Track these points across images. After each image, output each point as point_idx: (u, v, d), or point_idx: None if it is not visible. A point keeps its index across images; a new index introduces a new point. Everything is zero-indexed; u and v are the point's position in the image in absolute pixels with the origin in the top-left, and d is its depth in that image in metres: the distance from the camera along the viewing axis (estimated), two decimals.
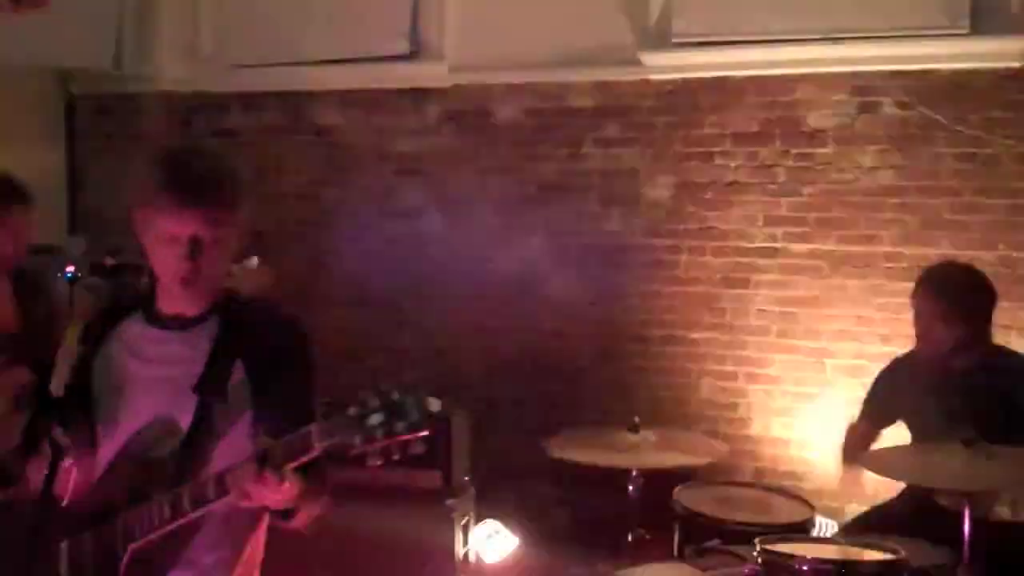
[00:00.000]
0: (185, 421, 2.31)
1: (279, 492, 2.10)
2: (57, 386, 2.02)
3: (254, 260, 4.10)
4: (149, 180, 2.30)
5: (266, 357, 2.37)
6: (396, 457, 1.99)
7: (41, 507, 2.06)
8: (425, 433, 1.99)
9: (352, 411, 1.97)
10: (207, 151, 2.46)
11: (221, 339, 2.38)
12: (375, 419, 1.95)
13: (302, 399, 2.39)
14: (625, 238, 5.55)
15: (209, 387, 2.33)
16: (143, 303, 2.46)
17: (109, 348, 2.44)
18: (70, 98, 6.47)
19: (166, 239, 2.30)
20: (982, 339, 3.84)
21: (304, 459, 2.06)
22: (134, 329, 2.44)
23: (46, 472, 2.07)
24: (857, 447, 4.07)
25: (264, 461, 2.07)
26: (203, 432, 2.31)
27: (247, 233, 2.42)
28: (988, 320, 3.86)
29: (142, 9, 6.24)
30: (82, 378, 2.36)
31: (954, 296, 3.81)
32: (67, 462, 2.16)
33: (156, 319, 2.44)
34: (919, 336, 3.95)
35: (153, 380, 2.35)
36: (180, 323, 2.41)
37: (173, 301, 2.41)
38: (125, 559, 2.23)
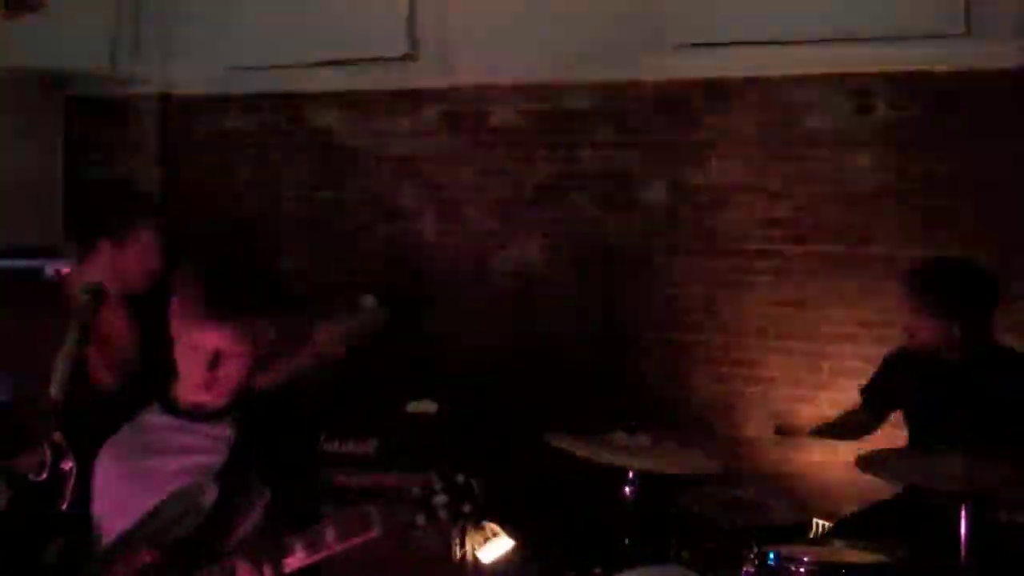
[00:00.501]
0: (207, 505, 2.34)
1: None
2: (57, 390, 2.01)
3: (369, 299, 4.08)
4: (184, 291, 2.39)
5: (280, 461, 2.44)
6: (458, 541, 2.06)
7: (41, 509, 2.05)
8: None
9: (416, 491, 1.98)
10: (243, 263, 2.57)
11: (242, 436, 2.44)
12: (440, 500, 2.02)
13: (311, 491, 2.51)
14: (622, 240, 5.55)
15: (231, 479, 2.37)
16: (158, 394, 2.50)
17: (121, 441, 2.44)
18: (66, 100, 6.46)
19: (191, 347, 2.38)
20: (977, 335, 3.81)
21: (363, 539, 2.13)
22: (152, 421, 2.47)
23: (46, 475, 2.06)
24: (847, 427, 4.09)
25: (265, 558, 2.13)
26: (223, 520, 2.34)
27: (269, 339, 2.49)
28: (983, 316, 3.83)
29: (138, 11, 6.24)
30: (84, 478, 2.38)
31: (939, 292, 3.80)
32: (66, 464, 2.15)
33: (174, 408, 2.48)
34: (906, 331, 3.95)
35: (172, 472, 2.37)
36: (200, 415, 2.46)
37: (194, 393, 2.45)
38: None
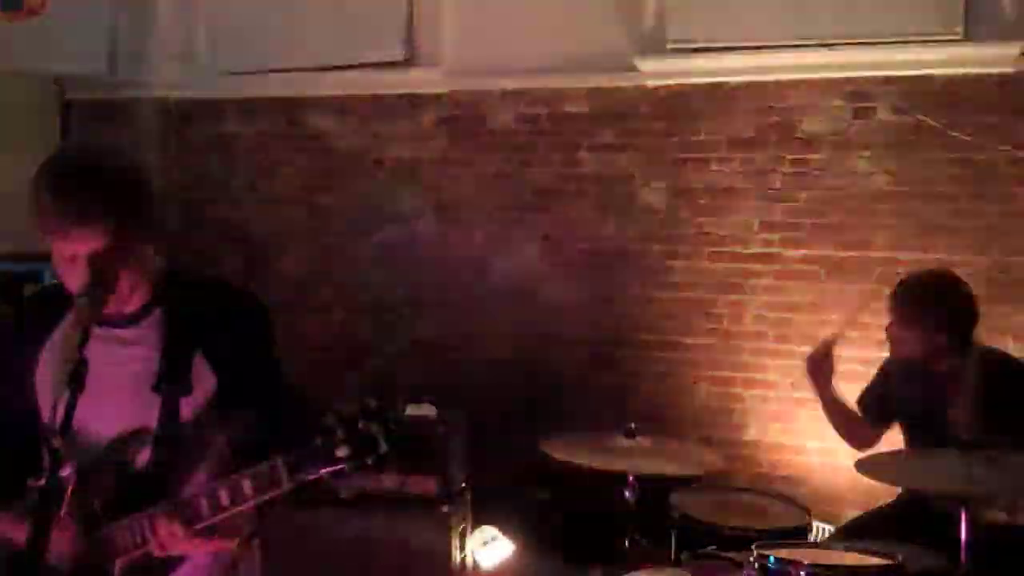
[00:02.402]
0: (152, 424, 2.23)
1: (198, 545, 2.09)
2: (56, 391, 1.99)
3: None
4: (32, 199, 2.14)
5: (224, 341, 2.28)
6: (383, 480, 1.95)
7: (41, 515, 2.03)
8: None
9: (318, 442, 1.92)
10: (87, 156, 2.24)
11: (172, 330, 2.28)
12: (343, 451, 1.90)
13: (270, 377, 2.34)
14: (621, 244, 5.56)
15: (169, 384, 2.24)
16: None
17: (50, 356, 2.28)
18: (65, 104, 6.46)
19: (66, 259, 2.15)
20: (960, 344, 3.83)
21: (274, 495, 2.01)
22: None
23: (44, 480, 2.03)
24: (852, 424, 4.10)
25: (176, 515, 2.05)
26: (174, 434, 2.24)
27: (154, 221, 2.26)
28: (964, 325, 3.85)
29: (137, 15, 6.24)
30: (25, 392, 2.29)
31: (918, 307, 3.83)
32: (65, 470, 2.12)
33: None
34: (892, 342, 3.98)
35: (108, 384, 2.19)
36: (122, 319, 2.27)
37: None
38: (116, 571, 2.19)
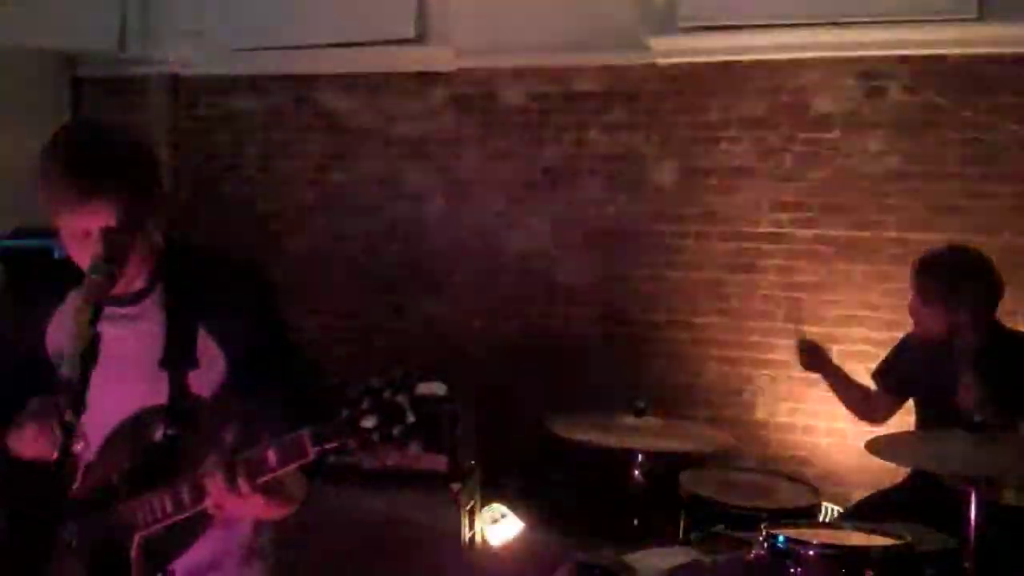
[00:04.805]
0: (163, 400, 2.24)
1: (255, 505, 2.07)
2: (70, 367, 1.99)
3: None
4: (41, 175, 2.12)
5: (224, 314, 2.28)
6: (392, 457, 1.93)
7: (52, 491, 2.03)
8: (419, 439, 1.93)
9: (344, 414, 1.91)
10: (95, 130, 2.23)
11: (174, 306, 2.28)
12: (369, 422, 1.90)
13: (276, 348, 2.34)
14: (630, 223, 5.55)
15: (176, 360, 2.25)
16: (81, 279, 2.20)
17: (58, 333, 2.28)
18: (75, 80, 6.46)
19: (78, 235, 2.13)
20: (981, 323, 3.82)
21: (298, 464, 2.00)
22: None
23: (57, 456, 2.04)
24: (859, 398, 4.12)
25: (233, 471, 2.03)
26: (185, 409, 2.25)
27: (162, 199, 2.26)
28: (987, 303, 3.84)
29: None
30: (35, 366, 2.29)
31: (941, 282, 3.81)
32: (78, 446, 2.12)
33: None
34: (913, 319, 3.97)
35: (116, 362, 2.16)
36: (125, 298, 2.26)
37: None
38: (134, 546, 2.20)
